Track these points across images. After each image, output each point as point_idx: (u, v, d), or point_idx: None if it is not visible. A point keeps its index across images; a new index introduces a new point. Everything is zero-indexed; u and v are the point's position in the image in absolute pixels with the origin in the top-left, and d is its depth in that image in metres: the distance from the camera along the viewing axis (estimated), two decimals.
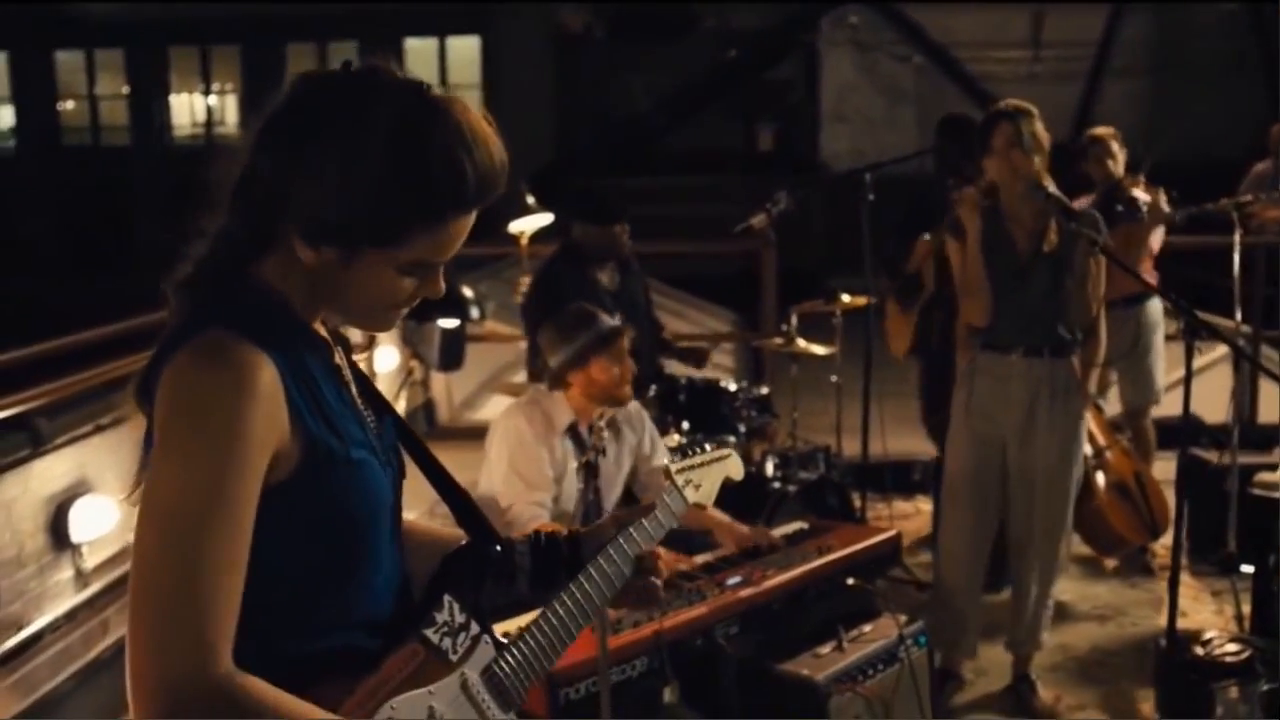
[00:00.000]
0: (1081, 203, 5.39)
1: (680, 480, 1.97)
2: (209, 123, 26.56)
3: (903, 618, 3.68)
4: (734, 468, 2.13)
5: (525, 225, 6.45)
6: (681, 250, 10.82)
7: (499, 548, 1.77)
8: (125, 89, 26.01)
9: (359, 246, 1.43)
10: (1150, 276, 5.64)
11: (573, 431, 3.74)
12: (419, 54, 25.82)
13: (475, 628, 1.60)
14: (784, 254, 7.56)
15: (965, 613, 4.16)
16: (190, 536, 1.32)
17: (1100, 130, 5.81)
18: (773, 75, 19.30)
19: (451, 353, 6.77)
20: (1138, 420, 5.81)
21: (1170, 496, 5.47)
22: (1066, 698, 4.24)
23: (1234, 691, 3.84)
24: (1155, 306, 5.71)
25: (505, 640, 1.65)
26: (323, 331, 1.55)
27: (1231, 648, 4.06)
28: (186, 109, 26.66)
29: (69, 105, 26.31)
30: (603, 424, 3.80)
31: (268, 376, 1.38)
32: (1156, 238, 5.72)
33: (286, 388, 1.40)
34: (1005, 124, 3.83)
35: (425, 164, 1.41)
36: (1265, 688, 3.84)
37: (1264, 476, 4.83)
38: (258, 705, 1.33)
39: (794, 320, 5.53)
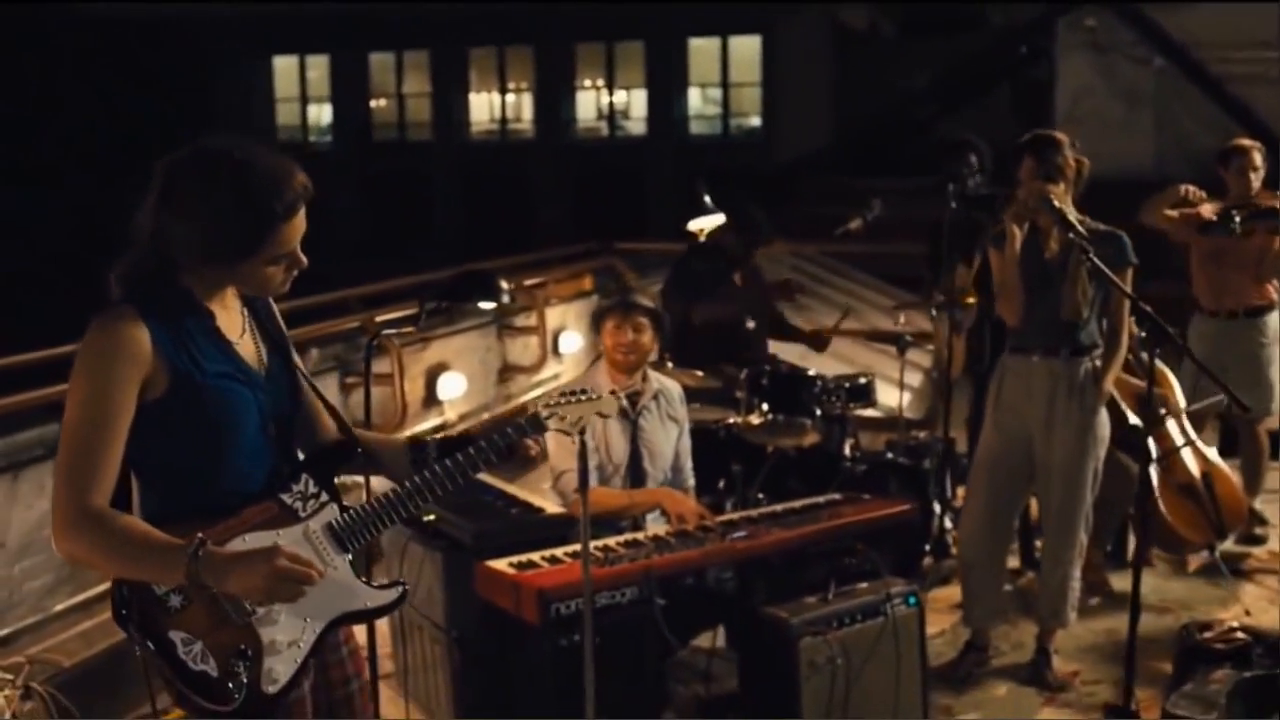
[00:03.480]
0: (1209, 208, 5.60)
1: (545, 412, 2.62)
2: (504, 120, 28.25)
3: (899, 580, 4.16)
4: (605, 407, 2.76)
5: (703, 224, 7.12)
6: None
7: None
8: (429, 88, 28.05)
9: (233, 262, 2.21)
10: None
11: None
12: (702, 53, 26.73)
13: (325, 496, 2.34)
14: None
15: (984, 588, 4.55)
16: (76, 431, 2.15)
17: (1245, 141, 5.89)
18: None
19: None
20: (1251, 427, 5.93)
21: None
22: (1085, 674, 4.55)
23: (1219, 674, 4.10)
24: (1274, 318, 5.80)
25: (350, 507, 2.36)
26: (226, 304, 2.31)
27: (1240, 638, 4.31)
28: (485, 107, 28.41)
29: (380, 103, 28.59)
30: (642, 390, 4.43)
31: (134, 333, 2.15)
32: None
33: (157, 338, 2.17)
34: (1028, 158, 4.24)
35: (255, 202, 2.17)
36: (1247, 674, 4.08)
37: None
38: (117, 524, 2.13)
39: (901, 317, 5.99)
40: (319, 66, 28.51)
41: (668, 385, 4.64)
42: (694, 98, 27.31)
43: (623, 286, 4.61)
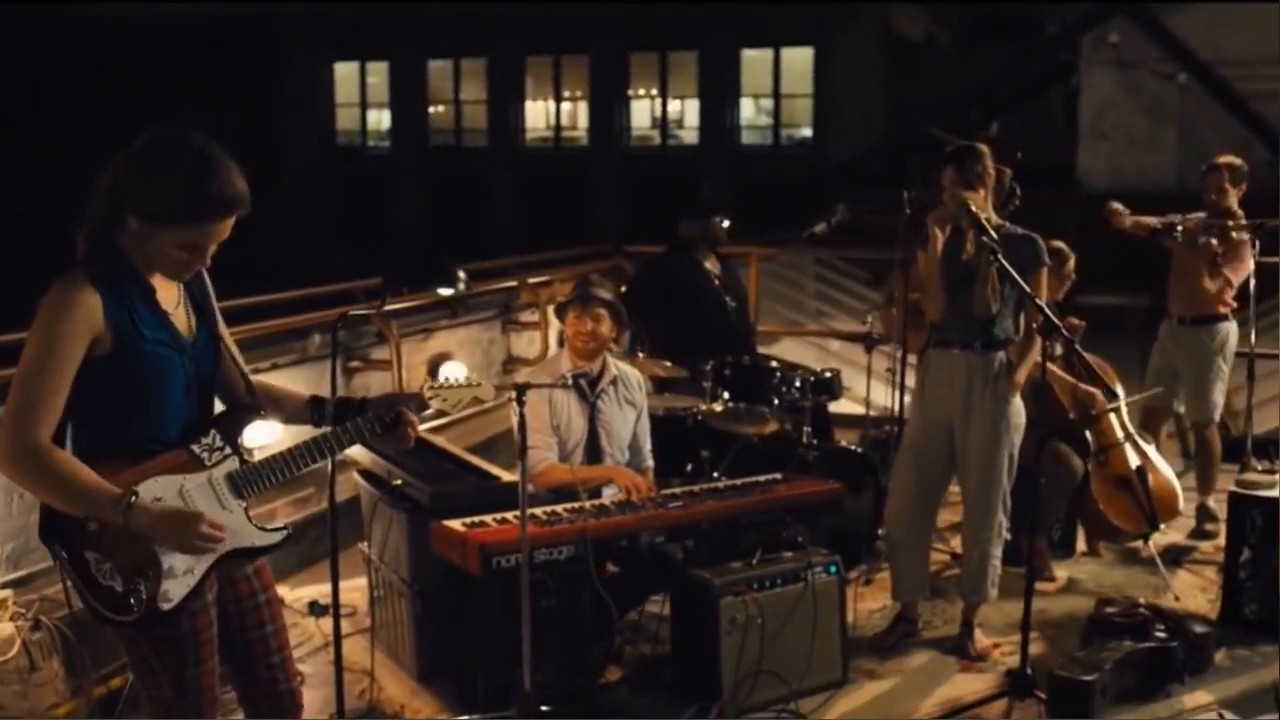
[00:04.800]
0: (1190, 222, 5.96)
1: (429, 394, 3.09)
2: (558, 127, 28.78)
3: (822, 551, 4.56)
4: (483, 393, 3.21)
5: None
6: None
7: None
8: (486, 95, 28.68)
9: (160, 225, 2.61)
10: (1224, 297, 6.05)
11: (577, 383, 4.79)
12: (755, 64, 27.12)
13: (229, 449, 2.77)
14: None
15: (909, 565, 4.90)
16: (28, 378, 2.56)
17: (1222, 160, 6.20)
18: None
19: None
20: (1200, 431, 6.25)
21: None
22: (1006, 647, 4.89)
23: (1115, 644, 4.46)
24: (1223, 329, 6.10)
25: (249, 460, 2.79)
26: (165, 280, 2.72)
27: (1142, 614, 4.66)
28: (540, 114, 28.96)
29: (438, 109, 29.25)
30: (601, 375, 4.86)
31: (88, 299, 2.57)
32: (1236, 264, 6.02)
33: (107, 305, 2.59)
34: (949, 167, 4.63)
35: (205, 184, 2.59)
36: (1141, 645, 4.43)
37: (1244, 476, 5.27)
38: (55, 460, 2.56)
39: (870, 320, 6.39)
40: (379, 73, 29.22)
41: (627, 372, 5.06)
42: (746, 108, 27.68)
43: (584, 280, 5.02)
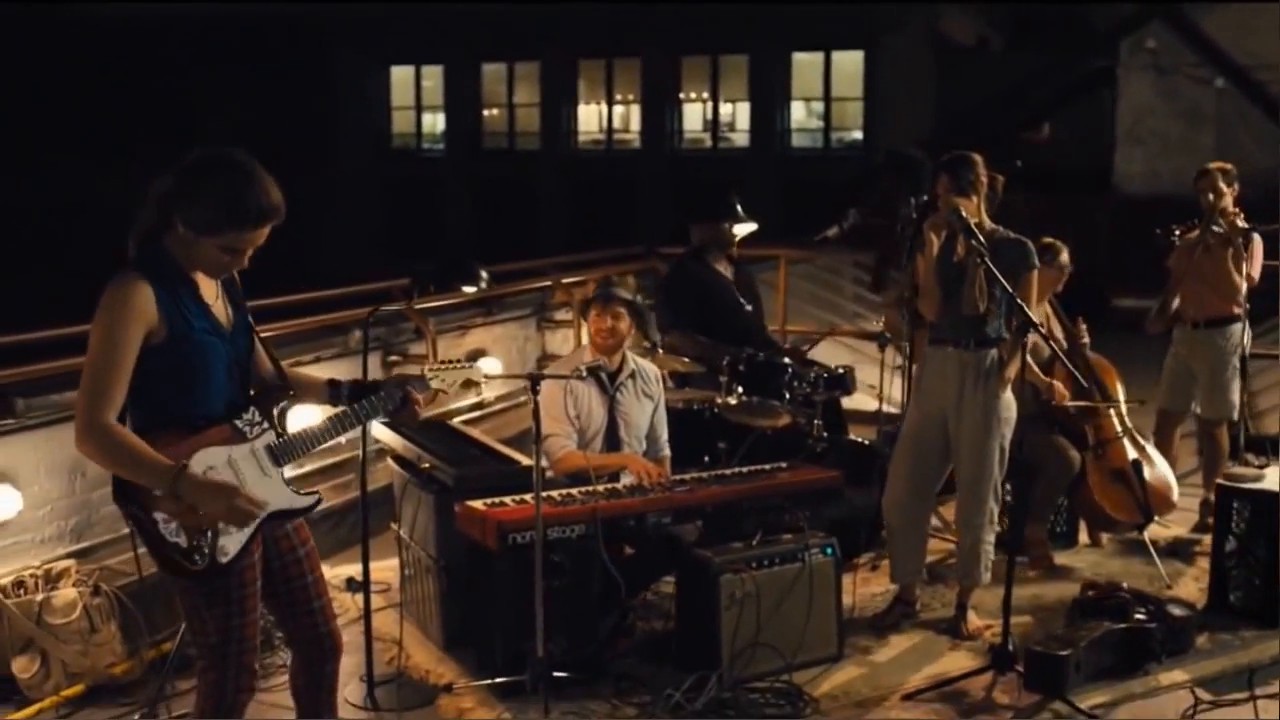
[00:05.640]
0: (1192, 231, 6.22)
1: (430, 374, 3.46)
2: (610, 130, 29.16)
3: (819, 534, 4.86)
4: (475, 376, 3.57)
5: (737, 231, 7.86)
6: None
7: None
8: (539, 98, 29.13)
9: (202, 232, 3.00)
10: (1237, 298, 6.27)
11: (597, 375, 5.13)
12: (806, 67, 27.34)
13: (266, 424, 3.16)
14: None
15: (906, 549, 5.20)
16: (95, 364, 2.93)
17: (1214, 164, 6.45)
18: None
19: None
20: (1211, 429, 6.48)
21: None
22: (997, 629, 5.17)
23: (1094, 624, 4.72)
24: (1236, 330, 6.33)
25: (283, 434, 3.18)
26: (200, 277, 3.10)
27: (1122, 596, 4.93)
28: (593, 118, 29.37)
29: (492, 112, 29.76)
30: (620, 369, 5.20)
31: (144, 294, 2.95)
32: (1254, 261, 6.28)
33: (159, 300, 2.97)
34: (943, 175, 4.93)
35: (244, 197, 2.97)
36: (1118, 626, 4.70)
37: (1233, 470, 5.50)
38: (120, 437, 2.93)
39: (883, 318, 6.67)
40: (433, 76, 29.79)
41: (645, 366, 5.40)
42: (797, 111, 27.90)
43: (606, 280, 5.37)
